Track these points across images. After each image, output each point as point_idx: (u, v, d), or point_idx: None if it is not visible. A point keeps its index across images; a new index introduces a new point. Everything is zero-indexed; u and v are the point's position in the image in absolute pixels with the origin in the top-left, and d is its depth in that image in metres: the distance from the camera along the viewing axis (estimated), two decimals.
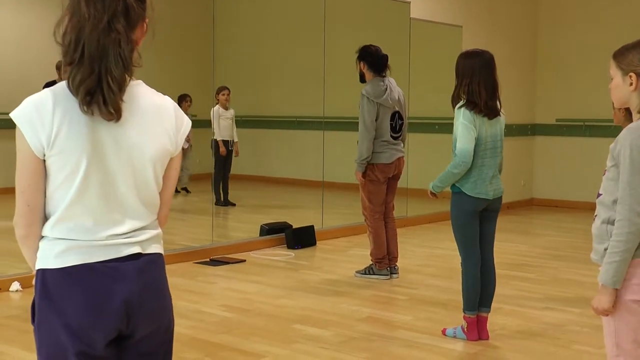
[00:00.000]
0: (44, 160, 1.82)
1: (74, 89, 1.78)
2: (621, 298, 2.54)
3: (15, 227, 1.89)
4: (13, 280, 5.62)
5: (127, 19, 1.81)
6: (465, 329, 4.52)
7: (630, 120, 4.49)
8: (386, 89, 6.02)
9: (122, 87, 1.81)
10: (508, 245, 7.71)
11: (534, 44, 10.72)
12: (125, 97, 1.83)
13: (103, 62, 1.78)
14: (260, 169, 11.47)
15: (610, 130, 9.25)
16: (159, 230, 1.98)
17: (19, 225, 1.88)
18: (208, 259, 6.79)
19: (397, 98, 6.11)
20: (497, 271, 6.26)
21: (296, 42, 11.00)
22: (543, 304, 5.43)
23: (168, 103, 1.97)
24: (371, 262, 6.19)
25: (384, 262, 6.13)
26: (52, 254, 1.85)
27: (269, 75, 11.48)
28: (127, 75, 1.82)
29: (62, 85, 1.83)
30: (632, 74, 2.50)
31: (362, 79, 6.15)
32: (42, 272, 1.86)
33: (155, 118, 1.91)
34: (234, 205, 9.52)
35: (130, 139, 1.85)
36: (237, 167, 9.79)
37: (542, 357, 4.31)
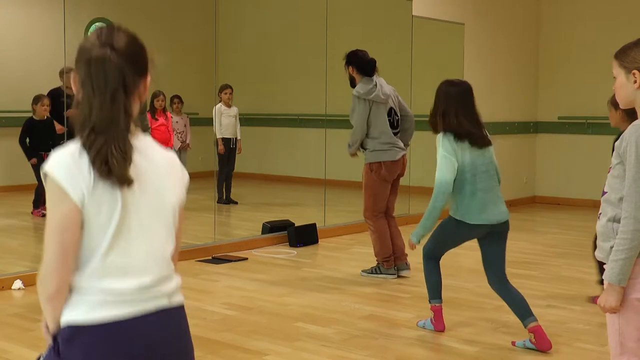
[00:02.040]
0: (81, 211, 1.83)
1: (90, 160, 1.83)
2: (626, 297, 2.53)
3: (42, 284, 1.85)
4: (15, 279, 5.62)
5: (126, 90, 1.87)
6: (433, 320, 4.65)
7: (628, 122, 4.48)
8: (375, 85, 6.04)
9: (126, 157, 1.85)
10: (510, 243, 7.64)
11: (536, 41, 10.71)
12: (138, 152, 1.89)
13: (110, 136, 1.83)
14: (262, 167, 11.47)
15: (612, 128, 9.22)
16: (179, 279, 2.01)
17: (50, 281, 1.83)
18: (210, 257, 6.80)
19: (389, 94, 6.11)
20: None
21: (298, 40, 11.00)
22: (545, 301, 5.43)
23: (171, 155, 2.04)
24: (377, 262, 6.18)
25: (391, 260, 6.13)
26: (83, 309, 1.84)
27: (271, 73, 11.49)
28: (129, 144, 1.86)
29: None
30: (635, 71, 2.49)
31: (353, 84, 6.17)
32: (71, 328, 1.84)
33: (169, 169, 1.98)
34: (235, 203, 9.53)
35: (154, 195, 1.91)
36: (240, 165, 9.79)
37: (544, 354, 4.30)
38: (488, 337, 4.59)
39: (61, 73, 7.28)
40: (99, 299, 1.84)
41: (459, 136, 4.33)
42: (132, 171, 1.85)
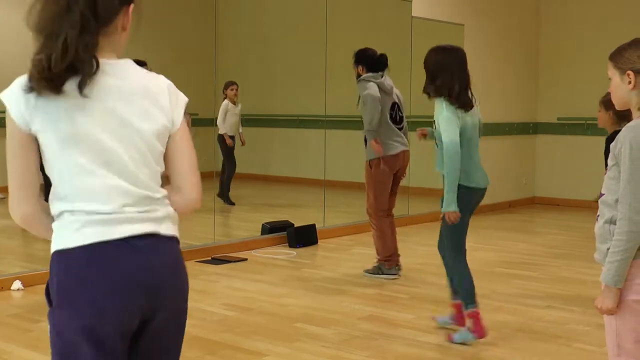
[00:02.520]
0: (34, 137, 1.83)
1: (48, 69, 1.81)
2: (623, 298, 2.53)
3: (12, 212, 1.87)
4: (14, 279, 5.62)
5: (93, 5, 1.82)
6: (472, 327, 4.44)
7: (618, 124, 4.51)
8: (381, 75, 6.06)
9: (89, 70, 1.81)
10: (509, 244, 7.71)
11: (535, 42, 10.71)
12: (114, 75, 1.87)
13: (71, 46, 1.79)
14: (261, 168, 11.46)
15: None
16: (170, 209, 1.97)
17: (15, 205, 1.86)
18: (210, 258, 6.79)
19: (392, 87, 6.13)
20: (498, 269, 6.30)
21: (298, 41, 10.99)
22: (545, 302, 5.43)
23: (161, 82, 2.00)
24: (378, 262, 6.17)
25: (393, 260, 6.13)
26: (68, 233, 1.84)
27: (271, 73, 11.48)
28: (92, 58, 1.82)
29: None
30: (629, 72, 2.50)
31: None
32: (60, 254, 1.85)
33: (146, 96, 1.93)
34: (233, 204, 9.51)
35: (123, 116, 1.87)
36: (239, 165, 9.78)
37: (543, 355, 4.31)
38: (487, 337, 4.58)
39: None
40: (79, 222, 1.84)
41: (455, 101, 4.36)
42: (94, 90, 1.82)
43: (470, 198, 4.44)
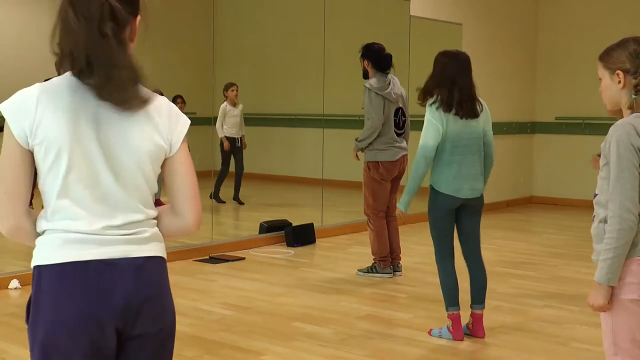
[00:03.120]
0: (31, 153, 1.82)
1: (105, 96, 1.82)
2: (618, 297, 2.54)
3: (1, 223, 1.86)
4: (12, 278, 5.61)
5: (115, 21, 1.83)
6: (451, 328, 4.49)
7: None
8: (389, 83, 6.05)
9: (135, 83, 1.84)
10: (507, 243, 7.71)
11: (533, 41, 10.72)
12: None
13: (111, 66, 1.80)
14: (259, 167, 11.46)
15: (609, 128, 9.23)
16: (156, 230, 1.95)
17: (5, 219, 1.85)
18: (207, 257, 6.79)
19: (400, 94, 6.13)
20: (496, 269, 6.28)
21: (296, 40, 10.99)
22: (542, 301, 5.43)
23: (161, 103, 1.96)
24: (374, 261, 6.18)
25: (388, 260, 6.13)
26: (47, 250, 1.84)
27: (269, 73, 11.48)
28: (124, 74, 1.83)
29: (54, 79, 1.86)
30: (619, 71, 2.51)
31: (366, 76, 6.17)
32: (38, 270, 1.85)
33: (144, 116, 1.90)
34: (242, 204, 9.51)
35: (114, 134, 1.86)
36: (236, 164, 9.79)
37: (541, 354, 4.31)
38: (486, 336, 4.58)
39: (57, 63, 7.29)
40: (58, 241, 1.83)
41: (447, 107, 4.36)
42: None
43: (444, 204, 4.43)
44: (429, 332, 4.61)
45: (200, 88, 9.27)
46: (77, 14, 1.80)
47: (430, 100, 4.41)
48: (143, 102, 1.85)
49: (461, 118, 4.39)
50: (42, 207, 1.90)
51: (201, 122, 9.27)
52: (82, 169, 1.83)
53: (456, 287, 4.49)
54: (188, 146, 2.01)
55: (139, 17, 1.92)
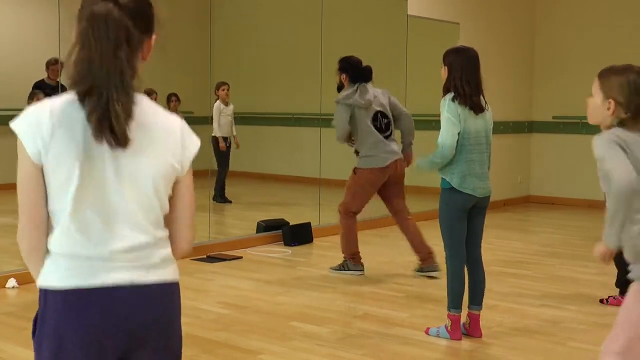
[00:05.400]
0: (42, 171, 1.80)
1: (87, 120, 1.79)
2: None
3: (19, 240, 1.86)
4: (9, 277, 5.61)
5: (130, 45, 1.81)
6: (449, 328, 4.49)
7: None
8: (356, 90, 6.04)
9: (129, 114, 1.80)
10: (504, 243, 7.72)
11: (531, 40, 10.72)
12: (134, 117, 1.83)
13: (109, 92, 1.78)
14: (257, 166, 11.46)
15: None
16: (168, 252, 1.91)
17: (21, 241, 1.85)
18: (205, 256, 6.79)
19: (371, 98, 6.07)
20: (493, 268, 6.28)
21: (293, 39, 10.99)
22: (539, 301, 5.43)
23: (174, 123, 1.93)
24: (344, 258, 6.20)
25: (357, 257, 6.16)
26: (54, 273, 1.82)
27: (266, 71, 11.48)
28: (132, 101, 1.81)
29: (62, 97, 1.83)
30: (611, 100, 2.56)
31: (340, 90, 6.18)
32: (44, 292, 1.83)
33: (156, 135, 1.88)
34: (230, 202, 9.52)
35: (128, 155, 1.82)
36: (234, 163, 9.78)
37: (538, 354, 4.31)
38: (483, 336, 4.59)
39: (48, 64, 7.26)
40: (64, 264, 1.82)
41: (461, 101, 4.34)
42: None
43: (461, 203, 4.40)
44: (426, 331, 4.61)
45: (197, 87, 9.27)
46: (96, 37, 1.78)
47: (448, 96, 4.37)
48: (123, 141, 1.79)
49: (476, 113, 4.39)
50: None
51: (198, 121, 9.27)
52: (92, 189, 1.80)
53: (463, 290, 4.47)
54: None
55: (154, 37, 1.90)
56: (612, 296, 5.23)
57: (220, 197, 9.39)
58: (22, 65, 8.34)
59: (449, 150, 4.32)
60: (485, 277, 4.58)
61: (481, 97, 4.47)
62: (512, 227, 8.78)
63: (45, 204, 1.83)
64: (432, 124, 9.42)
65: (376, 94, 6.13)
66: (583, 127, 10.17)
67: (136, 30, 1.82)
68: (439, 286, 5.78)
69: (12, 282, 5.58)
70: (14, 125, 1.81)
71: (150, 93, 8.87)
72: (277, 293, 5.59)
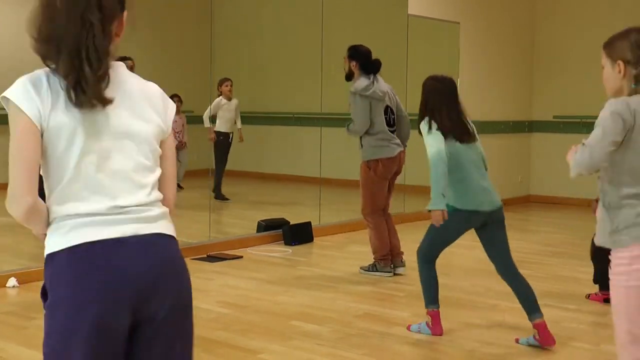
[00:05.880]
0: (41, 135, 1.83)
1: (62, 82, 1.83)
2: (626, 284, 2.57)
3: (14, 204, 1.85)
4: (10, 277, 5.60)
5: (102, 11, 1.84)
6: (430, 324, 4.55)
7: None
8: (373, 81, 6.04)
9: (102, 77, 1.84)
10: None
11: (531, 40, 10.72)
12: (113, 81, 1.88)
13: (80, 56, 1.81)
14: (257, 165, 11.46)
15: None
16: (165, 209, 1.99)
17: (20, 195, 1.83)
18: (205, 255, 6.79)
19: (386, 91, 6.11)
20: (494, 268, 6.27)
21: (294, 38, 10.99)
22: (540, 300, 5.39)
23: (153, 86, 2.03)
24: (374, 260, 6.18)
25: (388, 259, 6.14)
26: (58, 236, 1.86)
27: (267, 71, 11.48)
28: (105, 65, 1.85)
29: (47, 70, 1.88)
30: (619, 61, 2.60)
31: (349, 77, 6.16)
32: (51, 256, 1.86)
33: (144, 99, 1.95)
34: (228, 199, 9.49)
35: (122, 119, 1.90)
36: (235, 163, 9.77)
37: (539, 353, 4.31)
38: (483, 335, 4.59)
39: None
40: (69, 224, 1.85)
41: (444, 133, 4.34)
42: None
43: (468, 222, 4.38)
44: (408, 328, 4.64)
45: (197, 86, 9.26)
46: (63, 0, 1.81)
47: (425, 125, 4.36)
48: (100, 102, 1.84)
49: (459, 142, 4.37)
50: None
51: (198, 120, 9.28)
52: (94, 153, 1.85)
53: (437, 287, 4.55)
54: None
55: (125, 13, 1.93)
56: (593, 292, 5.29)
57: (220, 195, 9.35)
58: (23, 65, 8.33)
59: (442, 153, 4.25)
60: (528, 283, 4.44)
61: (468, 125, 4.45)
62: (513, 227, 8.73)
63: (39, 165, 1.85)
64: None
65: (387, 88, 6.15)
66: (583, 127, 10.16)
67: (108, 5, 1.85)
68: (440, 286, 5.77)
69: (12, 281, 5.58)
70: (8, 93, 1.83)
71: None
72: (277, 292, 5.59)
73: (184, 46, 10.08)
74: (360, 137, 6.12)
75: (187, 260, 6.68)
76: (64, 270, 1.83)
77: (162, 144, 2.01)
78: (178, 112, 9.43)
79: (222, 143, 9.34)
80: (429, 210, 4.33)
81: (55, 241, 1.86)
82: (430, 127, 4.34)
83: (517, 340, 4.43)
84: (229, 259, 6.74)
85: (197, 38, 9.04)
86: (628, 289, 2.59)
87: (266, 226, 7.61)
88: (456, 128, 4.39)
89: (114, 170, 1.88)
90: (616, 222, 2.64)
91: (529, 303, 4.37)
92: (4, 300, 5.30)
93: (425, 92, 4.49)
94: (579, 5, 10.35)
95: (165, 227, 1.96)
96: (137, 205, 1.90)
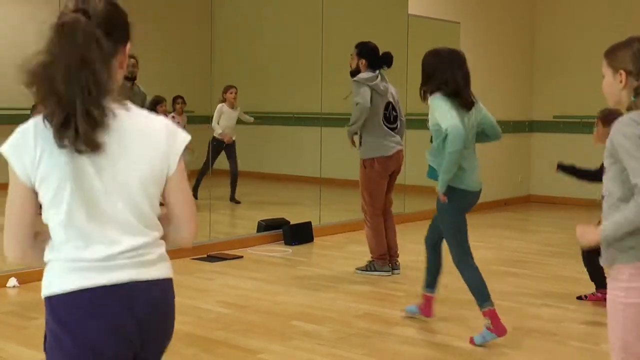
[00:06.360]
0: (34, 189, 1.85)
1: (49, 125, 1.80)
2: (626, 300, 2.52)
3: (6, 252, 1.90)
4: (10, 276, 5.60)
5: (102, 56, 1.80)
6: (491, 326, 4.36)
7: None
8: (377, 76, 6.04)
9: (98, 121, 1.79)
10: (505, 242, 7.72)
11: (531, 40, 10.72)
12: (107, 124, 1.82)
13: (76, 99, 1.77)
14: (257, 165, 11.46)
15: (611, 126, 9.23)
16: (162, 250, 1.97)
17: (9, 249, 1.89)
18: (205, 255, 6.79)
19: (388, 88, 6.11)
20: (494, 268, 6.30)
21: (294, 38, 10.99)
22: (540, 300, 5.43)
23: (158, 124, 1.94)
24: (372, 259, 6.18)
25: (386, 258, 6.14)
26: (55, 280, 1.86)
27: (267, 71, 11.47)
28: (104, 109, 1.81)
29: (41, 117, 1.85)
30: (621, 71, 2.55)
31: (354, 74, 6.15)
32: (49, 300, 1.87)
33: (140, 140, 1.89)
34: (239, 202, 9.50)
35: (112, 163, 1.85)
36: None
37: (538, 353, 4.31)
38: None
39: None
40: (63, 269, 1.86)
41: (451, 96, 4.29)
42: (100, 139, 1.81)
43: (461, 200, 4.38)
44: (471, 342, 4.40)
45: (198, 86, 9.26)
46: (61, 43, 1.78)
47: (434, 94, 4.31)
48: (91, 147, 1.80)
49: (466, 110, 4.34)
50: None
51: (199, 120, 9.27)
52: (83, 201, 1.84)
53: (484, 282, 4.41)
54: (192, 149, 2.03)
55: (129, 45, 1.91)
56: (591, 293, 5.31)
57: (196, 191, 9.31)
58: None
59: (460, 129, 4.17)
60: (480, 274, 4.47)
61: (470, 94, 4.41)
62: (513, 227, 8.78)
63: (34, 217, 1.88)
64: None
65: (390, 87, 6.15)
66: (584, 127, 10.16)
67: (109, 41, 1.82)
68: (440, 286, 5.77)
69: (12, 281, 5.58)
70: (3, 149, 1.85)
71: (159, 101, 8.82)
72: (277, 292, 5.59)
73: (184, 46, 10.07)
74: (360, 137, 6.12)
75: (188, 260, 6.72)
76: (65, 317, 1.84)
77: (169, 182, 1.95)
78: (181, 113, 9.45)
79: (217, 148, 9.33)
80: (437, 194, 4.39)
81: (52, 282, 1.86)
82: (440, 103, 4.25)
83: (472, 342, 4.41)
84: (229, 258, 6.74)
85: (197, 38, 9.04)
86: (627, 306, 2.55)
87: (266, 226, 7.61)
88: (461, 93, 4.31)
89: (106, 217, 1.86)
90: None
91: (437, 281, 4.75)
92: (4, 300, 5.30)
93: (428, 63, 4.46)
94: (579, 5, 10.35)
95: (163, 271, 1.96)
96: (133, 250, 1.89)
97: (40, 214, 1.89)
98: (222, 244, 7.11)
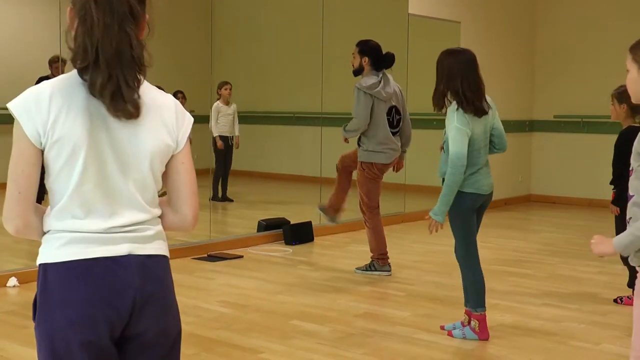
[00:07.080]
0: (42, 152, 1.82)
1: (97, 94, 1.81)
2: None
3: (6, 223, 1.87)
4: (10, 276, 5.61)
5: (135, 21, 1.85)
6: (477, 329, 4.43)
7: (632, 117, 4.46)
8: (380, 81, 6.01)
9: (138, 86, 1.85)
10: (505, 241, 7.72)
11: (532, 39, 10.72)
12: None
13: (119, 66, 1.81)
14: (258, 165, 11.46)
15: (608, 127, 9.24)
16: (160, 228, 1.98)
17: (11, 216, 1.85)
18: (206, 255, 6.79)
19: (392, 91, 6.08)
20: (494, 267, 6.29)
21: (294, 38, 10.99)
22: (540, 300, 5.43)
23: (169, 100, 1.98)
24: (372, 259, 6.19)
25: (386, 257, 6.14)
26: (53, 248, 1.86)
27: (267, 70, 11.47)
28: (140, 75, 1.86)
29: (63, 77, 1.86)
30: None
31: (357, 73, 6.13)
32: (44, 267, 1.86)
33: (154, 114, 1.92)
34: (231, 201, 9.52)
35: (126, 133, 1.87)
36: (235, 162, 9.77)
37: (539, 353, 4.31)
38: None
39: (51, 62, 7.32)
40: (65, 238, 1.85)
41: (467, 108, 4.29)
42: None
43: (470, 204, 4.38)
44: (449, 334, 4.51)
45: (198, 86, 9.26)
46: (100, 10, 1.80)
47: (454, 106, 4.31)
48: (136, 110, 1.85)
49: (479, 117, 4.35)
50: (49, 204, 1.91)
51: (199, 120, 9.25)
52: (94, 169, 1.84)
53: (484, 287, 4.45)
54: (191, 141, 2.04)
55: (147, 17, 1.93)
56: (626, 296, 5.20)
57: (220, 195, 9.37)
58: (24, 64, 8.34)
59: (463, 159, 4.23)
60: (492, 276, 4.52)
61: (484, 100, 4.42)
62: (513, 226, 8.78)
63: (38, 182, 1.86)
64: (434, 122, 9.47)
65: (395, 88, 6.13)
66: (584, 127, 10.17)
67: (137, 4, 1.86)
68: (440, 285, 5.78)
69: (13, 280, 5.58)
70: (12, 105, 1.82)
71: None
72: (277, 292, 5.59)
73: (184, 46, 10.07)
74: (360, 136, 6.11)
75: (188, 260, 6.72)
76: (59, 286, 1.84)
77: (173, 160, 1.97)
78: None
79: (219, 148, 9.36)
80: (429, 217, 4.34)
81: (49, 253, 1.86)
82: (459, 116, 4.24)
83: (450, 334, 4.50)
84: (230, 258, 6.74)
85: (197, 38, 9.04)
86: None
87: (267, 226, 7.61)
88: (475, 102, 4.31)
89: (113, 187, 1.87)
90: None
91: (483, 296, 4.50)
92: (5, 300, 5.30)
93: (443, 68, 4.40)
94: (579, 5, 10.35)
95: (159, 248, 1.96)
96: (133, 225, 1.90)
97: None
98: (223, 244, 7.11)
